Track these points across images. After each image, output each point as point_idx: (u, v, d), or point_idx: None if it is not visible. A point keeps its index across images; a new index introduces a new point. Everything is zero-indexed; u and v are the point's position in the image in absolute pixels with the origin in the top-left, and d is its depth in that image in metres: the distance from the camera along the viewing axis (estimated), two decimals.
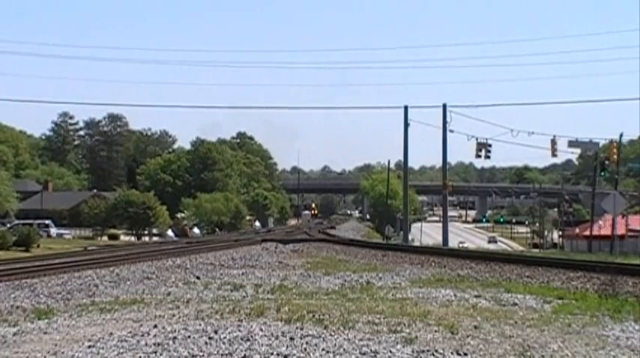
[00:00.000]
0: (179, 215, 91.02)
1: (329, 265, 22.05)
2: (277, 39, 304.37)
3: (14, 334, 9.51)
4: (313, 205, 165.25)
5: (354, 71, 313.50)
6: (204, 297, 13.48)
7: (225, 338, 8.69)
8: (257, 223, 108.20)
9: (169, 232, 79.62)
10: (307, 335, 8.85)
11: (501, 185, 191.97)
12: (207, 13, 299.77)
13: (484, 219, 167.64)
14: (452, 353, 7.80)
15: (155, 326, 9.68)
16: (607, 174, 65.74)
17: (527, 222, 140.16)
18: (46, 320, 10.86)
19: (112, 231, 76.27)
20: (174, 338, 8.70)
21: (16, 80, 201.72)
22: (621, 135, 67.07)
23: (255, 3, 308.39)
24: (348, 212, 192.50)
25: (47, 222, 75.68)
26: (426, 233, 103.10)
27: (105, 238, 72.94)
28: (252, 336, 8.76)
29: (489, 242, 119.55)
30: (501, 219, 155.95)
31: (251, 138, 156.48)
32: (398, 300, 12.89)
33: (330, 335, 8.93)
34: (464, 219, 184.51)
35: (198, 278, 17.28)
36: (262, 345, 8.20)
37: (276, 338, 8.69)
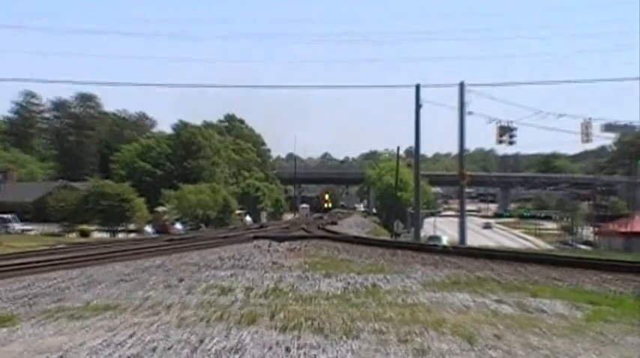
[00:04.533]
0: (159, 208, 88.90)
1: (330, 266, 21.80)
2: (276, 11, 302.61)
3: None
4: (326, 196, 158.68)
5: (354, 46, 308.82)
6: (187, 302, 13.53)
7: (211, 349, 8.71)
8: (248, 218, 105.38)
9: (148, 228, 78.50)
10: (305, 346, 8.86)
11: (526, 174, 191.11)
12: None
13: (506, 214, 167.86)
14: None
15: (132, 336, 9.71)
16: None
17: (555, 217, 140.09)
18: (7, 329, 10.83)
19: (83, 226, 75.90)
20: (154, 348, 8.72)
21: None
22: None
23: None
24: (354, 205, 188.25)
25: (9, 216, 75.51)
26: (440, 229, 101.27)
27: (74, 235, 72.65)
28: (242, 347, 8.77)
29: (484, 228, 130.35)
30: (526, 214, 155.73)
31: (241, 122, 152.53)
32: (408, 306, 12.96)
33: (331, 345, 8.95)
34: (483, 213, 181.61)
35: (181, 280, 17.45)
36: (254, 357, 8.12)
37: (270, 348, 8.69)
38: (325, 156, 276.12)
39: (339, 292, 15.09)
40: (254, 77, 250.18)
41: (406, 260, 25.11)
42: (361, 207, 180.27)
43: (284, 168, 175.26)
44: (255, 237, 37.09)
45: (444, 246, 32.02)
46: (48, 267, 21.47)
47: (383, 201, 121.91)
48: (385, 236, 69.89)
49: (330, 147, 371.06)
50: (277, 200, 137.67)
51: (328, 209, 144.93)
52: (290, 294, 14.59)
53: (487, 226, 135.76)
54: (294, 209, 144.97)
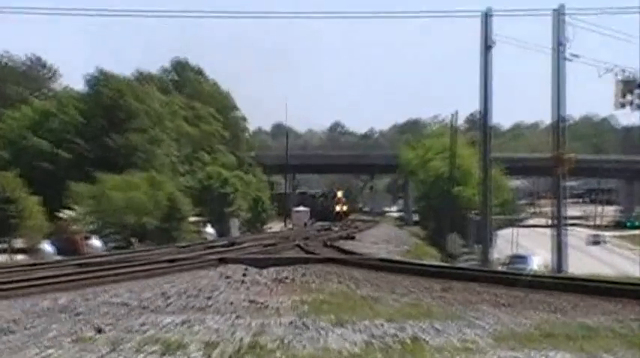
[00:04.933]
0: (64, 213, 60.07)
1: (343, 307, 16.76)
2: None
3: None
4: (339, 193, 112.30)
5: None
6: None
7: None
8: (210, 229, 70.85)
9: (47, 245, 54.08)
10: None
11: None
12: None
13: (632, 222, 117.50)
14: None
15: None
16: None
17: None
18: None
19: None
20: None
21: None
22: None
23: None
24: (382, 209, 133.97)
25: None
26: (523, 246, 72.85)
27: None
28: None
29: (592, 243, 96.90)
30: None
31: (198, 72, 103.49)
32: None
33: None
34: (594, 221, 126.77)
35: (99, 330, 13.92)
36: None
37: None
38: (335, 128, 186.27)
39: (358, 350, 11.94)
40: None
41: (467, 297, 18.61)
42: (394, 211, 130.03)
43: (269, 148, 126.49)
44: (222, 261, 27.14)
45: (532, 274, 23.54)
46: None
47: (430, 202, 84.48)
48: (433, 258, 52.51)
49: (344, 114, 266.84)
50: (257, 199, 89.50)
51: (342, 215, 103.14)
52: (277, 354, 11.63)
53: (596, 241, 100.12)
54: (284, 214, 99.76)
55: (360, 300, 18.15)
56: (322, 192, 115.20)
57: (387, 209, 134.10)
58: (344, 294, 19.64)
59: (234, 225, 76.82)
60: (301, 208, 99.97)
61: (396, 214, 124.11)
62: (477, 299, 18.19)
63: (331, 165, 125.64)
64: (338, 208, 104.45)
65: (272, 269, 25.56)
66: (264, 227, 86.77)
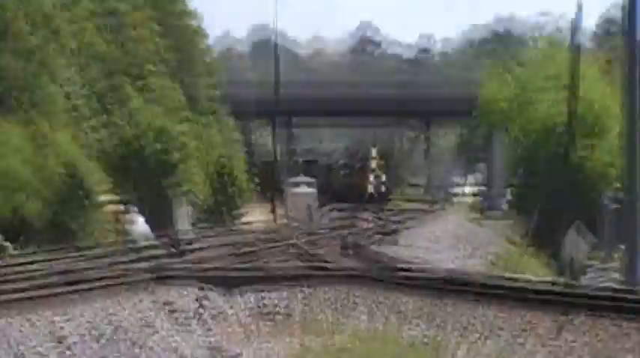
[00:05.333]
0: None
1: None
2: None
3: None
4: (374, 153, 67.89)
5: None
6: None
7: None
8: (138, 220, 43.23)
9: None
10: None
11: None
12: None
13: None
14: None
15: None
16: None
17: None
18: None
19: None
20: None
21: None
22: None
23: None
24: (450, 184, 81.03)
25: None
26: None
27: None
28: None
29: None
30: None
31: None
32: None
33: None
34: None
35: None
36: None
37: None
38: (363, 42, 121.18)
39: None
40: None
41: (602, 342, 11.62)
42: (466, 187, 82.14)
43: (245, 80, 76.98)
44: (161, 277, 16.84)
45: None
46: None
47: (532, 174, 52.10)
48: (539, 272, 33.60)
49: (377, 18, 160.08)
50: (224, 170, 55.90)
51: (377, 196, 63.26)
52: None
53: None
54: (271, 193, 61.49)
55: (409, 351, 11.42)
56: (336, 157, 71.62)
57: (455, 183, 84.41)
58: (380, 340, 11.87)
59: (183, 213, 45.29)
60: (302, 187, 59.69)
61: (470, 190, 77.51)
62: (619, 348, 11.05)
63: (354, 105, 73.85)
64: (371, 184, 62.26)
65: (250, 293, 15.94)
66: (237, 217, 52.74)
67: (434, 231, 36.96)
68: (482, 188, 66.22)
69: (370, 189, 61.14)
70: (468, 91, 63.80)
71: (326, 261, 20.44)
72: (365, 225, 38.01)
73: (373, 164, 62.07)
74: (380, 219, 43.86)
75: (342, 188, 63.22)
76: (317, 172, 66.46)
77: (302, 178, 61.25)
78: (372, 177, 61.03)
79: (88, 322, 12.50)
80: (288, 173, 68.09)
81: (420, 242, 31.42)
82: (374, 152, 62.49)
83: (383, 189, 61.35)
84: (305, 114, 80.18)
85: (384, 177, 61.20)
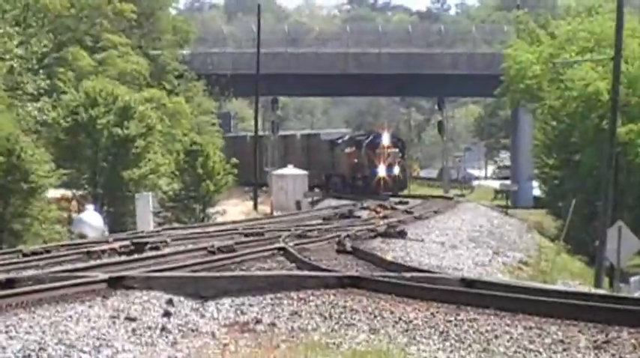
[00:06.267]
0: None
1: None
2: None
3: None
4: (385, 137, 49.92)
5: None
6: None
7: None
8: (90, 213, 33.30)
9: None
10: None
11: None
12: None
13: None
14: None
15: None
16: None
17: None
18: None
19: None
20: None
21: None
22: None
23: None
24: (469, 174, 73.82)
25: None
26: None
27: None
28: None
29: None
30: None
31: None
32: None
33: None
34: None
35: None
36: None
37: None
38: None
39: None
40: None
41: None
42: (489, 177, 73.66)
43: (222, 41, 64.73)
44: (118, 282, 13.52)
45: None
46: None
47: (568, 158, 43.52)
48: (580, 278, 29.84)
49: None
50: (194, 151, 41.71)
51: (392, 183, 48.96)
52: None
53: None
54: (254, 184, 52.66)
55: None
56: (339, 137, 55.72)
57: (474, 173, 72.74)
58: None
59: (145, 204, 34.84)
60: (290, 168, 51.15)
61: (494, 178, 66.09)
62: None
63: (351, 78, 61.48)
64: (382, 170, 47.96)
65: (226, 301, 12.69)
66: (211, 209, 41.89)
67: (450, 226, 30.23)
68: (506, 181, 56.58)
69: (382, 171, 47.57)
70: (488, 61, 55.95)
71: (317, 263, 16.55)
72: (364, 217, 31.78)
73: (385, 141, 48.51)
74: (387, 208, 36.67)
75: (334, 176, 53.62)
76: (305, 155, 58.03)
77: (289, 170, 50.83)
78: (383, 165, 47.76)
79: (28, 339, 9.97)
80: (269, 156, 59.95)
81: (432, 238, 25.41)
82: (385, 136, 49.01)
83: (397, 171, 48.06)
84: (292, 90, 69.01)
85: (398, 167, 48.45)
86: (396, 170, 47.89)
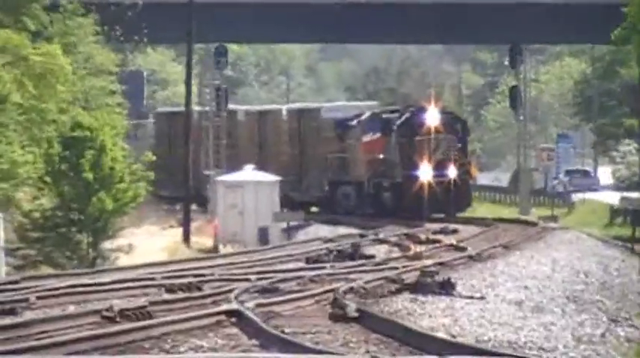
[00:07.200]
0: None
1: None
2: None
3: None
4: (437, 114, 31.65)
5: None
6: None
7: None
8: None
9: None
10: None
11: None
12: None
13: None
14: None
15: None
16: None
17: None
18: None
19: None
20: None
21: None
22: None
23: None
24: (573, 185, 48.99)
25: None
26: None
27: None
28: None
29: None
30: None
31: None
32: None
33: None
34: None
35: None
36: None
37: None
38: None
39: None
40: None
41: None
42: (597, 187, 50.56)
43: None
44: None
45: None
46: None
47: None
48: None
49: None
50: (79, 128, 26.89)
51: (442, 204, 30.71)
52: None
53: None
54: (184, 198, 34.51)
55: None
56: (372, 115, 35.77)
57: (569, 187, 50.04)
58: None
59: None
60: (248, 170, 34.36)
61: (610, 196, 42.84)
62: None
63: (355, 9, 41.43)
64: (427, 172, 30.53)
65: None
66: (108, 242, 27.56)
67: (534, 265, 20.29)
68: (632, 194, 36.54)
69: (428, 174, 30.23)
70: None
71: (301, 342, 9.80)
72: (387, 254, 20.73)
73: (434, 120, 30.93)
74: (422, 240, 23.11)
75: (366, 172, 33.21)
76: (311, 138, 37.75)
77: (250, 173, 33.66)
78: (433, 151, 30.66)
79: None
80: (217, 141, 39.43)
81: (502, 290, 16.46)
82: (433, 111, 31.31)
83: (454, 174, 30.76)
84: (251, 33, 45.20)
85: (455, 152, 31.31)
86: (452, 171, 30.21)
